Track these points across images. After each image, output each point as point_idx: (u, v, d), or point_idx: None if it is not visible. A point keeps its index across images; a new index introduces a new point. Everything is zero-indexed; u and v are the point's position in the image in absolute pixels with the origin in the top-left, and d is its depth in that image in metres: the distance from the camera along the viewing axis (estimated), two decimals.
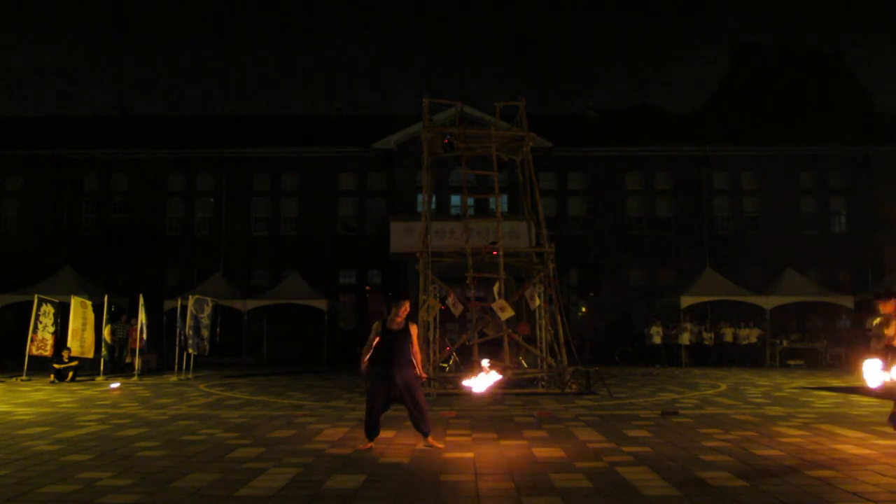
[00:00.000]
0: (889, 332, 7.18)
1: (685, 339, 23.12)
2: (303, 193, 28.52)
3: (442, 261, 14.67)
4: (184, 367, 17.55)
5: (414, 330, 7.32)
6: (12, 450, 7.14)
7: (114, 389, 14.13)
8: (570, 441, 7.70)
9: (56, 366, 16.11)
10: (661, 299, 25.45)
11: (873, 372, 7.37)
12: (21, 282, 23.82)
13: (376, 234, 27.39)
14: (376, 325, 7.23)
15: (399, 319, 7.17)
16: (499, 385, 10.95)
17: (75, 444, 7.46)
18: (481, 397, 12.34)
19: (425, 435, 7.18)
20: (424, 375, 7.96)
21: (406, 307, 7.28)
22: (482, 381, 8.49)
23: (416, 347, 7.30)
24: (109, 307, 18.26)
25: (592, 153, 28.34)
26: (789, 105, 36.03)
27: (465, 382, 9.05)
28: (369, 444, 7.21)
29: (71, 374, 16.26)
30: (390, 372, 7.00)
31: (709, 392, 13.61)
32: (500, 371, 9.93)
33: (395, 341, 7.09)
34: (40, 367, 17.22)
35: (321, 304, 24.00)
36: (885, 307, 7.47)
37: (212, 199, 28.55)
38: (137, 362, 17.81)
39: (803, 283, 23.83)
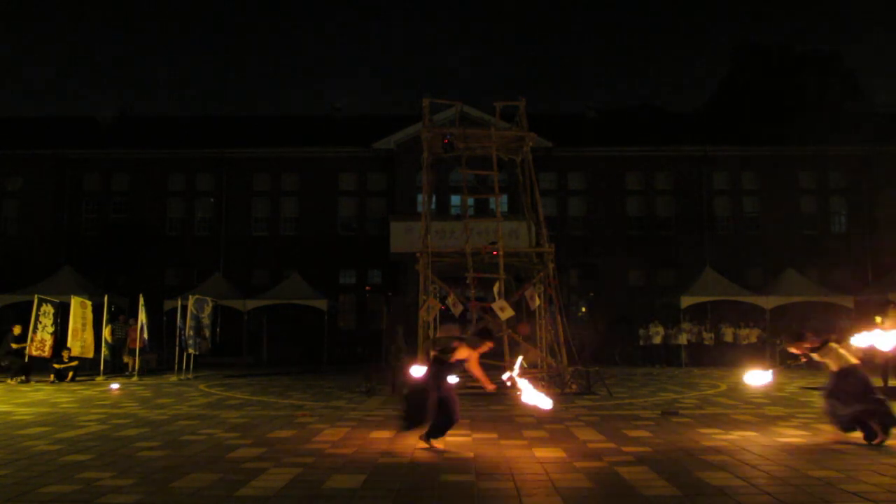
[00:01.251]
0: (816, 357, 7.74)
1: (684, 339, 23.11)
2: (303, 193, 28.51)
3: (442, 261, 14.66)
4: (184, 367, 17.54)
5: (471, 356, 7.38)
6: (12, 450, 7.14)
7: (114, 390, 14.11)
8: (570, 441, 7.70)
9: (56, 366, 16.11)
10: (661, 299, 25.44)
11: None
12: (21, 282, 23.81)
13: (376, 234, 27.39)
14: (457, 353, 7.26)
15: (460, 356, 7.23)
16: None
17: (75, 444, 7.46)
18: (479, 397, 12.34)
19: (429, 438, 7.11)
20: (493, 387, 7.76)
21: (487, 347, 7.33)
22: (536, 395, 7.62)
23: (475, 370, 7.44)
24: (109, 307, 18.25)
25: (592, 153, 28.32)
26: (789, 105, 36.00)
27: (530, 401, 7.76)
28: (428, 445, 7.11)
29: (71, 374, 16.26)
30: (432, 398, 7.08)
31: (709, 392, 13.61)
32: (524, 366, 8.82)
33: (450, 370, 7.22)
34: (40, 367, 17.22)
35: (321, 304, 24.00)
36: (795, 348, 7.92)
37: (212, 199, 28.55)
38: (137, 362, 17.82)
39: (803, 283, 23.83)
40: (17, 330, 16.68)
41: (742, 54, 43.57)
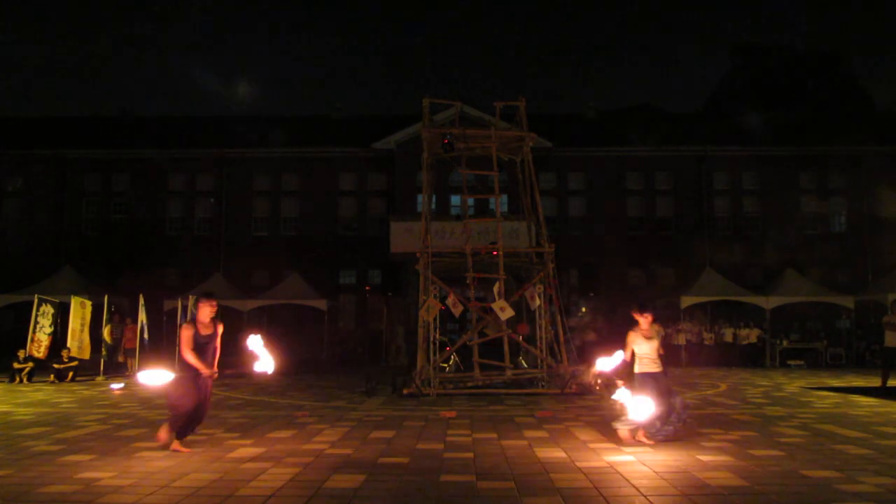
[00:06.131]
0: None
1: (683, 339, 23.10)
2: (303, 193, 28.51)
3: (442, 261, 14.66)
4: None
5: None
6: (12, 450, 7.14)
7: (115, 390, 14.08)
8: (570, 441, 7.70)
9: (56, 366, 16.11)
10: (661, 299, 25.42)
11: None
12: (21, 282, 23.79)
13: (376, 234, 27.38)
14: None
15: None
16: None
17: (75, 444, 7.46)
18: (479, 397, 12.34)
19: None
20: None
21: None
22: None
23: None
24: (109, 307, 18.24)
25: (592, 153, 28.32)
26: (789, 105, 36.01)
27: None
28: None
29: (71, 374, 16.26)
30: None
31: (709, 392, 13.61)
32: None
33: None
34: (40, 367, 17.21)
35: (321, 304, 23.99)
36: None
37: (212, 199, 28.54)
38: (135, 363, 17.79)
39: (803, 283, 23.81)
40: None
41: (742, 54, 43.61)
